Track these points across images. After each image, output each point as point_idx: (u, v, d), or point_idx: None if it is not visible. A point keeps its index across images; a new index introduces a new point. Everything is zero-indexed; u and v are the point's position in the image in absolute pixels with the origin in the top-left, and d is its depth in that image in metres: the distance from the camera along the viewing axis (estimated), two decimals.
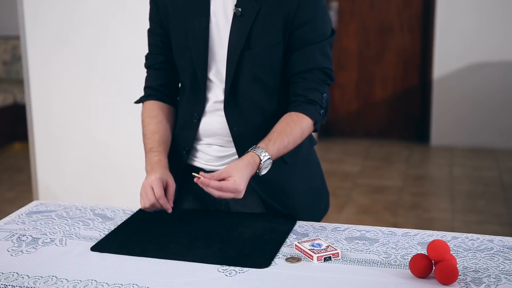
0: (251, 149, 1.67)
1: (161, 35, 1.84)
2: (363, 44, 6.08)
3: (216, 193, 1.61)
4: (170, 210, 1.72)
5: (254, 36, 1.70)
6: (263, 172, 1.66)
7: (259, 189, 1.78)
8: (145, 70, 1.92)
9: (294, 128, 1.70)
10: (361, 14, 6.03)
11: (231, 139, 1.78)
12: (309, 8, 1.70)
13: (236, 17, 1.71)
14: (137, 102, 1.93)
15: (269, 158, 1.65)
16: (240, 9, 1.70)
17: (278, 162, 1.75)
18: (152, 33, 1.87)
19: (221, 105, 1.77)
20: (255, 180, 1.76)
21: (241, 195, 1.62)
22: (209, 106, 1.79)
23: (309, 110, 1.73)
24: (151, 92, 1.88)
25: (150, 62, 1.88)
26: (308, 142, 1.87)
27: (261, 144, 1.67)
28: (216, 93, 1.77)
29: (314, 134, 1.94)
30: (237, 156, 1.77)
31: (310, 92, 1.73)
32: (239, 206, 1.82)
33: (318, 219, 1.90)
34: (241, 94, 1.75)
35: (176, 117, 1.90)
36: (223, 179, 1.61)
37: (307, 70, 1.73)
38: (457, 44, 5.74)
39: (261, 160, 1.64)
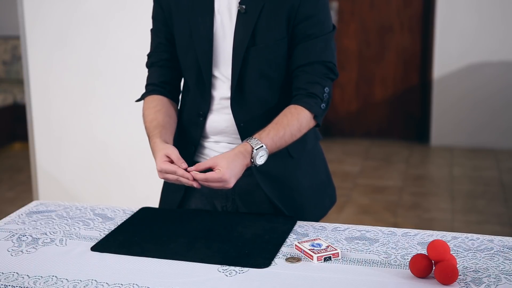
0: (245, 140, 1.67)
1: (165, 33, 1.84)
2: (363, 44, 6.08)
3: (204, 185, 1.61)
4: (189, 176, 1.62)
5: (259, 32, 1.72)
6: (259, 161, 1.65)
7: (265, 186, 1.78)
8: (146, 69, 1.92)
9: (291, 119, 1.70)
10: (361, 14, 6.03)
11: (238, 135, 1.79)
12: (312, 3, 1.72)
13: (240, 14, 1.72)
14: (138, 100, 1.92)
15: (261, 146, 1.64)
16: (244, 6, 1.71)
17: (284, 157, 1.76)
18: (156, 32, 1.87)
19: (228, 102, 1.78)
20: (262, 177, 1.78)
21: (228, 184, 1.60)
22: (215, 104, 1.80)
23: (309, 103, 1.72)
24: (153, 88, 1.87)
25: (154, 59, 1.88)
26: (313, 136, 1.88)
27: (255, 134, 1.68)
28: (222, 91, 1.78)
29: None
30: None
31: (311, 86, 1.73)
32: (246, 203, 1.83)
33: (323, 214, 1.92)
34: (248, 90, 1.76)
35: (180, 115, 1.90)
36: (211, 169, 1.60)
37: (308, 63, 1.74)
38: (457, 44, 5.74)
39: (253, 148, 1.64)
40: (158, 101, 1.84)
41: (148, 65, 1.90)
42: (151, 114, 1.81)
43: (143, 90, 1.91)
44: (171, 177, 1.64)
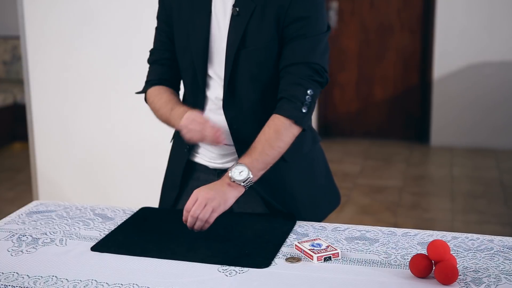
0: (231, 166, 1.68)
1: (167, 33, 1.85)
2: (363, 44, 6.08)
3: (189, 218, 1.62)
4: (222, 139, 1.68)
5: (249, 35, 1.71)
6: (238, 177, 1.65)
7: (259, 188, 1.78)
8: (147, 66, 1.92)
9: (267, 132, 1.69)
10: (361, 14, 6.03)
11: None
12: (301, 5, 1.69)
13: (233, 17, 1.72)
14: (139, 92, 1.92)
15: (238, 164, 1.66)
16: (237, 9, 1.71)
17: (278, 160, 1.75)
18: (159, 30, 1.88)
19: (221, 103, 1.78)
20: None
21: (200, 196, 1.62)
22: (211, 104, 1.80)
23: (287, 110, 1.70)
24: (155, 82, 1.88)
25: (156, 57, 1.88)
26: (310, 140, 1.87)
27: (245, 159, 1.67)
28: (217, 91, 1.78)
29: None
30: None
31: (293, 87, 1.71)
32: (241, 205, 1.83)
33: (322, 217, 1.91)
34: (239, 92, 1.75)
35: None
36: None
37: (292, 64, 1.71)
38: (457, 44, 5.74)
39: (229, 168, 1.66)
40: (163, 89, 1.85)
41: (150, 61, 1.91)
42: (163, 99, 1.82)
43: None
44: (196, 126, 1.66)
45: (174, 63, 1.87)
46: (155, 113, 1.84)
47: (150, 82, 1.88)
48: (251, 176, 1.65)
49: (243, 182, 1.65)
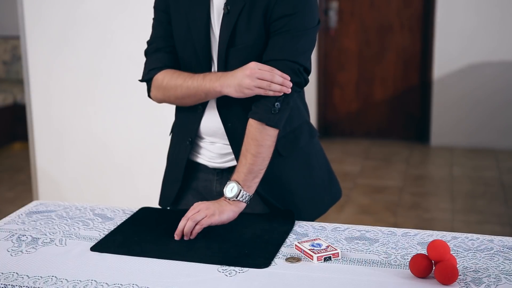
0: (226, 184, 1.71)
1: (169, 21, 1.82)
2: (363, 44, 6.08)
3: (181, 221, 1.65)
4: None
5: (238, 33, 1.71)
6: (229, 194, 1.69)
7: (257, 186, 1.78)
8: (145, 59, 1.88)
9: (246, 142, 1.70)
10: (361, 14, 6.03)
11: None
12: (289, 1, 1.68)
13: (224, 15, 1.73)
14: (142, 80, 1.86)
15: (228, 182, 1.69)
16: (228, 7, 1.71)
17: (274, 155, 1.75)
18: (159, 20, 1.84)
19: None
20: None
21: (198, 207, 1.66)
22: (211, 99, 1.79)
23: (257, 113, 1.69)
24: (161, 69, 1.82)
25: (160, 44, 1.83)
26: (307, 134, 1.87)
27: (235, 175, 1.70)
28: None
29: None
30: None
31: None
32: None
33: (321, 212, 1.91)
34: None
35: (180, 109, 1.89)
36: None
37: (270, 60, 1.69)
38: (457, 44, 5.74)
39: (227, 197, 1.69)
40: (178, 71, 1.80)
41: (152, 50, 1.85)
42: (183, 74, 1.77)
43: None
44: (265, 73, 1.65)
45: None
46: (174, 90, 1.77)
47: (156, 69, 1.82)
48: (243, 190, 1.68)
49: (237, 197, 1.68)
